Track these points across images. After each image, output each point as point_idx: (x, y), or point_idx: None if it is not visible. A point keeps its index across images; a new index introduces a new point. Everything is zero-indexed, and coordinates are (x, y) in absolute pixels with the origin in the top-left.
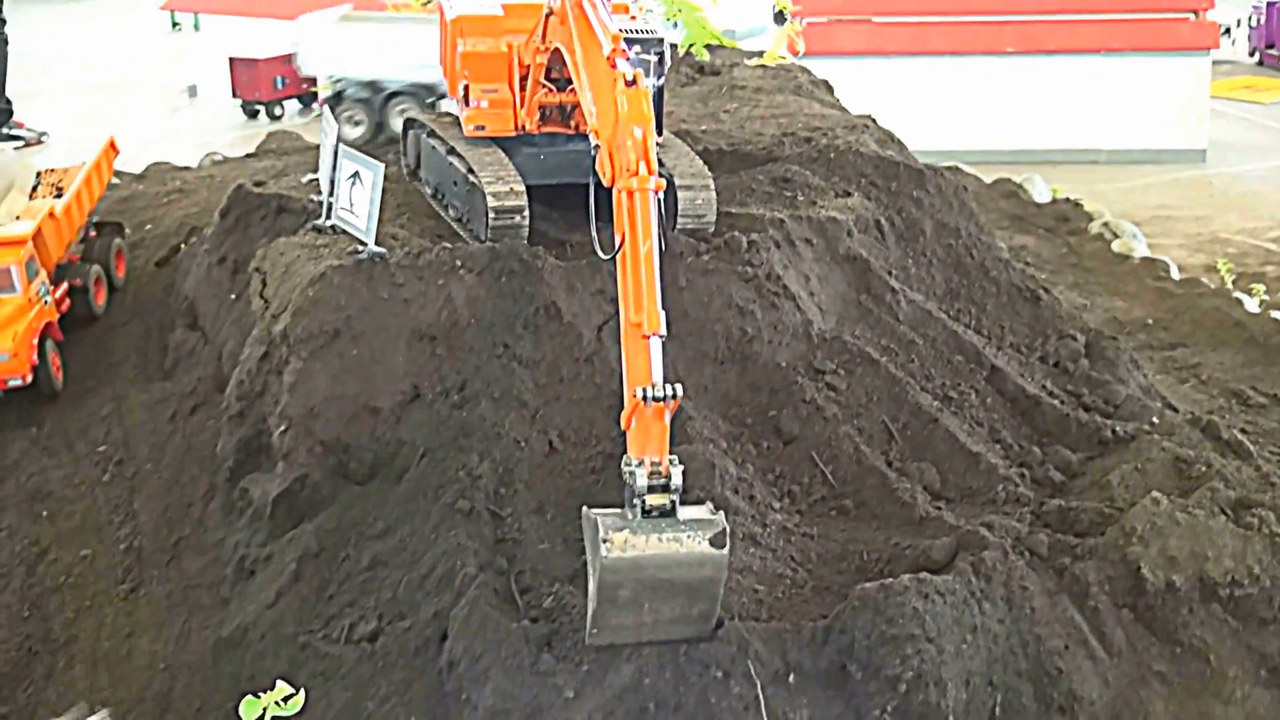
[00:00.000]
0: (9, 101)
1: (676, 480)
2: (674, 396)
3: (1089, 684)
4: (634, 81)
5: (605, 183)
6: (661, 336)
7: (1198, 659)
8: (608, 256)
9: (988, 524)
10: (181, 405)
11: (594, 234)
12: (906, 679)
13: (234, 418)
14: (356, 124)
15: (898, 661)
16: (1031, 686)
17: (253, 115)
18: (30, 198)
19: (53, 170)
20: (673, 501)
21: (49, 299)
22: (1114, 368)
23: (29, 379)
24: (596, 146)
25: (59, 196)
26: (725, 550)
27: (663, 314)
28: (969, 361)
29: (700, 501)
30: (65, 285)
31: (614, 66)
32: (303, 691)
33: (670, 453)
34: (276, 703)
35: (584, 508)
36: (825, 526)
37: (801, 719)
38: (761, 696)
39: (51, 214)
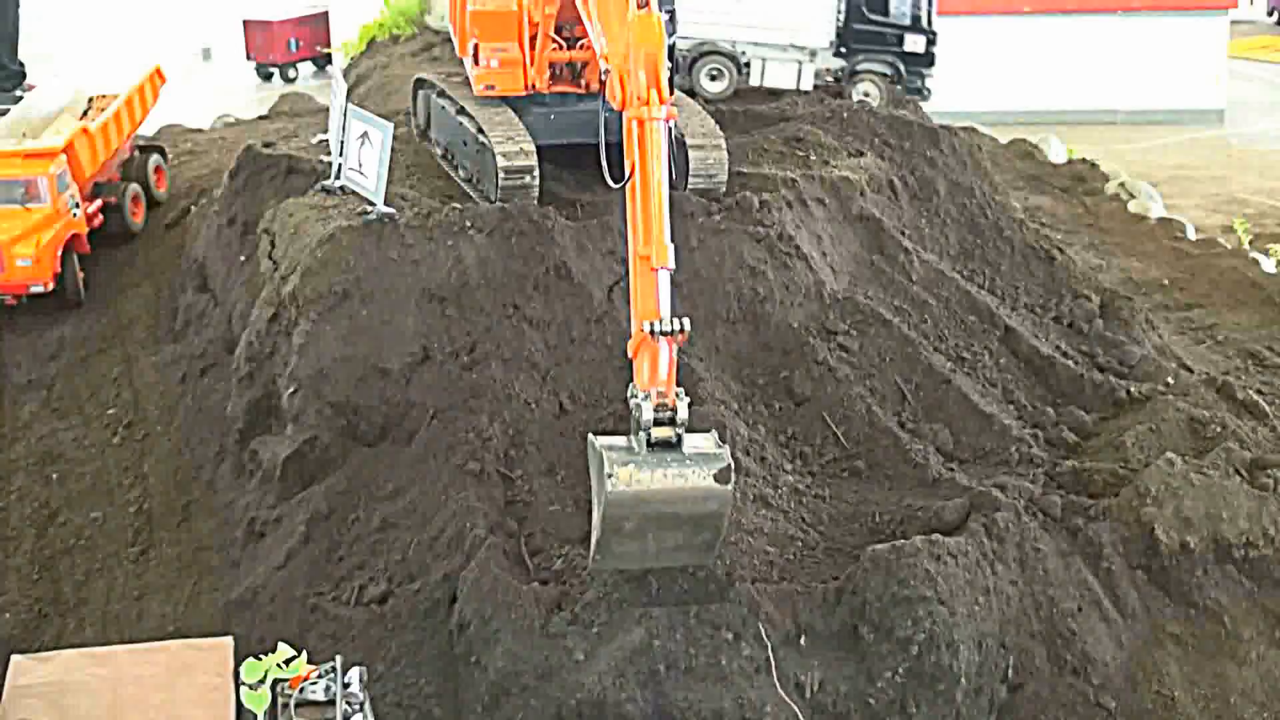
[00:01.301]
0: (22, 65)
1: (683, 413)
2: (681, 330)
3: (1103, 646)
4: (645, 4)
5: (615, 108)
6: (670, 269)
7: (1212, 620)
8: (617, 185)
9: (1001, 485)
10: (191, 367)
11: (603, 163)
12: (918, 641)
13: (243, 379)
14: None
15: (910, 623)
16: (1045, 648)
17: (266, 78)
18: (81, 120)
19: (104, 96)
20: (678, 435)
21: (78, 212)
22: (1129, 328)
23: (50, 286)
24: (607, 71)
25: None
26: (730, 485)
27: (671, 247)
28: (982, 322)
29: (706, 430)
30: (99, 202)
31: None
32: (304, 653)
33: (676, 385)
34: (278, 665)
35: (590, 435)
36: (837, 488)
37: (813, 680)
38: (772, 658)
39: (85, 131)
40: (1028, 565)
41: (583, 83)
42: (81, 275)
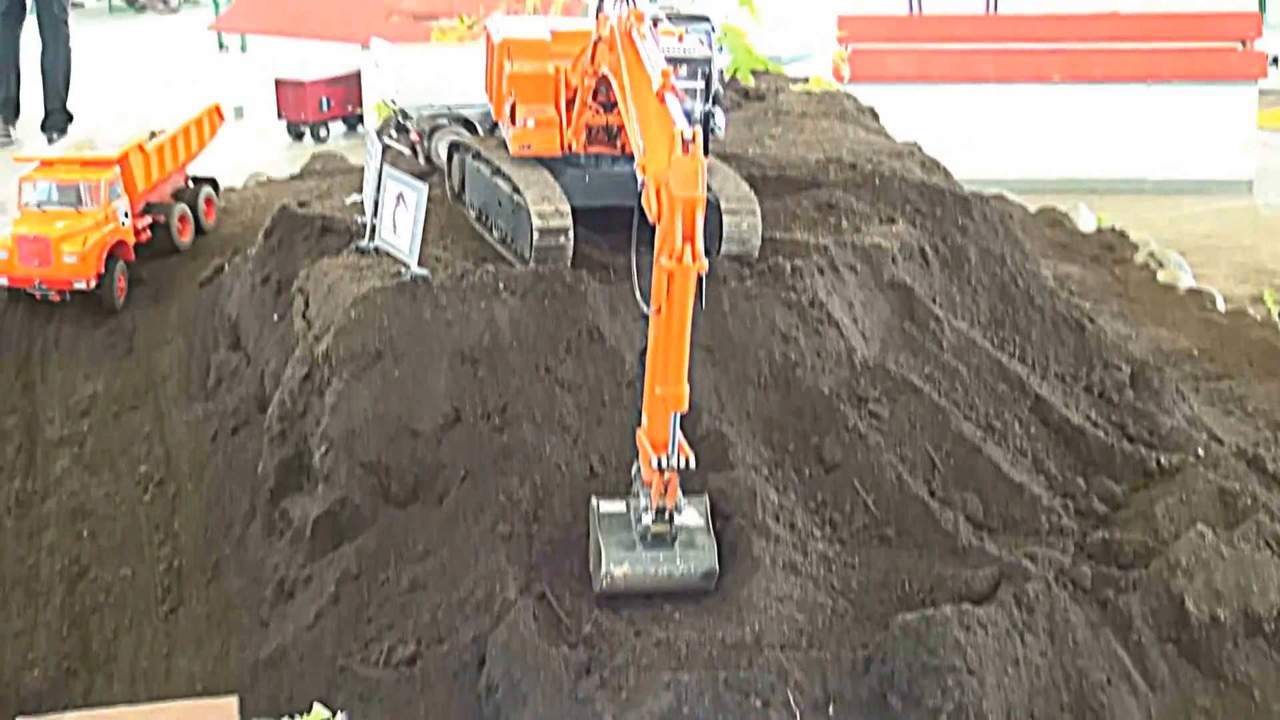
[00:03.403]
0: (69, 114)
1: (680, 520)
2: (687, 465)
3: (1132, 718)
4: (691, 141)
5: (651, 219)
6: (683, 413)
7: (1242, 693)
8: (648, 311)
9: (1031, 555)
10: (223, 425)
11: (635, 282)
12: (947, 710)
13: (275, 438)
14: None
15: (939, 692)
16: None
17: (298, 137)
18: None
19: (164, 130)
20: (673, 537)
21: (126, 222)
22: (1159, 398)
23: (92, 285)
24: (644, 182)
25: None
26: (714, 581)
27: (687, 390)
28: (1013, 390)
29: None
30: (149, 219)
31: (662, 102)
32: (341, 715)
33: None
34: None
35: (593, 500)
36: (867, 555)
37: None
38: None
39: (140, 148)
40: (1057, 636)
41: (619, 144)
42: (124, 283)
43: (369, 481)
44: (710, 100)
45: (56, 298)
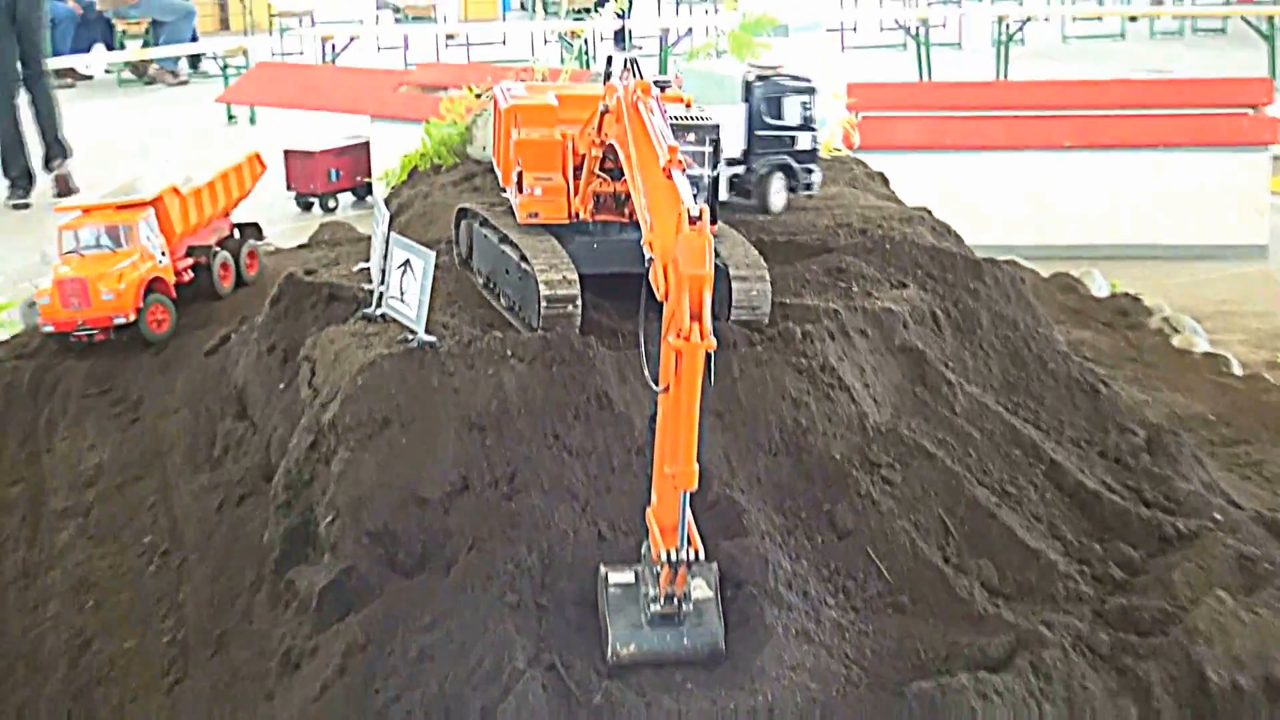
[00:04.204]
0: (64, 145)
1: (688, 604)
2: (697, 558)
3: None
4: (699, 218)
5: (659, 297)
6: (692, 491)
7: None
8: (658, 389)
9: (1047, 622)
10: (229, 494)
11: (643, 361)
12: None
13: (281, 507)
14: None
15: None
16: None
17: (306, 207)
18: None
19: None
20: (681, 617)
21: (164, 260)
22: (1175, 463)
23: (131, 318)
24: (651, 260)
25: None
26: (721, 654)
27: (696, 471)
28: (1027, 455)
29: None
30: (191, 260)
31: (669, 178)
32: None
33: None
34: None
35: (601, 570)
36: (881, 623)
37: None
38: None
39: (175, 190)
40: (1075, 704)
41: (626, 211)
42: (166, 316)
43: (376, 550)
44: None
45: (101, 337)
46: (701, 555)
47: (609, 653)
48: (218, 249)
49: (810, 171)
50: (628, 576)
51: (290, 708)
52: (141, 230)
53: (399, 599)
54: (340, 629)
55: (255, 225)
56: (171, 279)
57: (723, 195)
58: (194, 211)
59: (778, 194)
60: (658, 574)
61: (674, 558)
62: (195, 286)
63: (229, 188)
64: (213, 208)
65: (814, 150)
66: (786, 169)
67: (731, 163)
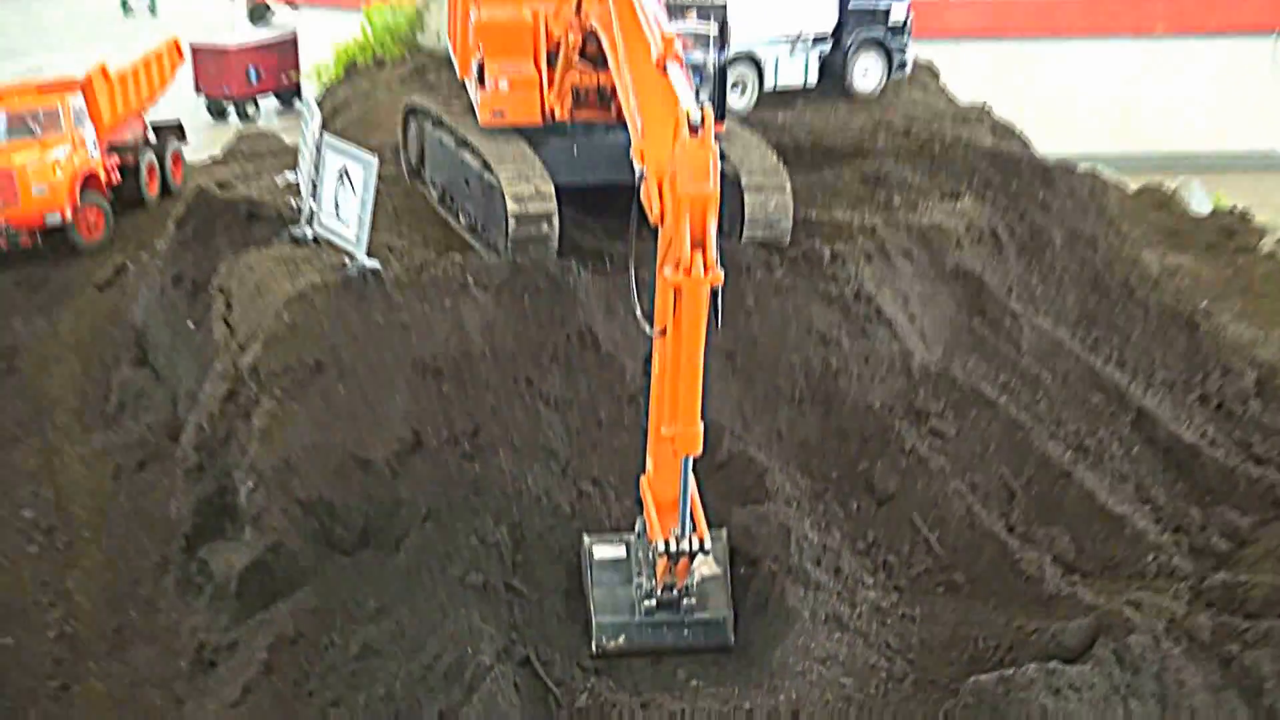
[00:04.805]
0: None
1: (690, 597)
2: (702, 549)
3: None
4: (700, 125)
5: (652, 220)
6: (696, 456)
7: None
8: (650, 332)
9: (1134, 602)
10: (127, 459)
11: (633, 297)
12: None
13: (191, 473)
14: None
15: None
16: None
17: (219, 115)
18: None
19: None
20: (681, 608)
21: (96, 154)
22: None
23: (67, 218)
24: (642, 174)
25: None
26: (729, 643)
27: (701, 431)
28: (1109, 402)
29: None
30: (116, 159)
31: (664, 73)
32: None
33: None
34: None
35: (586, 541)
36: (930, 606)
37: None
38: None
39: (104, 72)
40: (1170, 701)
41: (613, 109)
42: (101, 221)
43: (308, 524)
44: (723, 50)
45: (27, 242)
46: (708, 545)
47: (594, 645)
48: (145, 147)
49: (904, 50)
50: (617, 550)
51: (205, 715)
52: (71, 115)
53: (337, 583)
54: (265, 619)
55: (176, 126)
56: (103, 175)
57: (812, 79)
58: (120, 100)
59: (869, 74)
60: (654, 561)
61: (674, 549)
62: (120, 192)
63: (150, 78)
64: (137, 99)
65: (906, 22)
66: (878, 44)
67: (819, 40)
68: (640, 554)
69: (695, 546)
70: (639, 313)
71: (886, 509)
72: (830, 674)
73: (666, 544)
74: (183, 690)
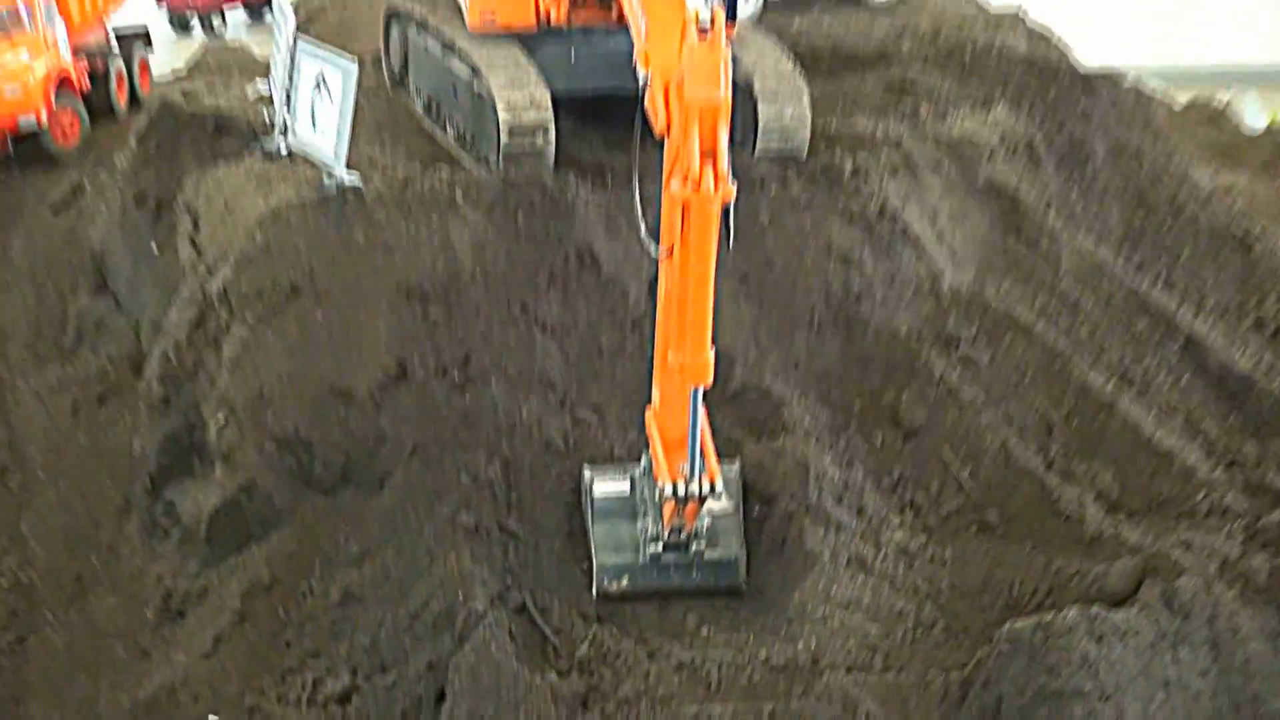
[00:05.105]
0: None
1: (700, 540)
2: (714, 492)
3: None
4: (710, 26)
5: (657, 131)
6: (706, 388)
7: None
8: (655, 254)
9: (1184, 543)
10: (86, 394)
11: (637, 214)
12: None
13: (156, 407)
14: None
15: None
16: None
17: (183, 28)
18: None
19: None
20: (693, 555)
21: (68, 56)
22: None
23: (43, 123)
24: (646, 80)
25: None
26: (741, 584)
27: (711, 360)
28: (1156, 328)
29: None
30: (85, 63)
31: None
32: None
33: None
34: None
35: (586, 473)
36: (961, 547)
37: None
38: None
39: None
40: (1223, 650)
41: (614, 11)
42: (76, 128)
43: (284, 461)
44: None
45: (1, 149)
46: (720, 489)
47: (595, 587)
48: (113, 54)
49: None
50: (620, 485)
51: (173, 668)
52: (40, 12)
53: (315, 525)
54: (238, 565)
55: (143, 33)
56: (74, 77)
57: None
58: (88, 1)
59: None
60: (660, 503)
61: (682, 492)
62: (91, 101)
63: None
64: (103, 1)
65: None
66: None
67: None
68: (646, 492)
69: (706, 489)
70: (643, 231)
71: (914, 443)
72: (853, 620)
73: (674, 486)
74: (148, 642)
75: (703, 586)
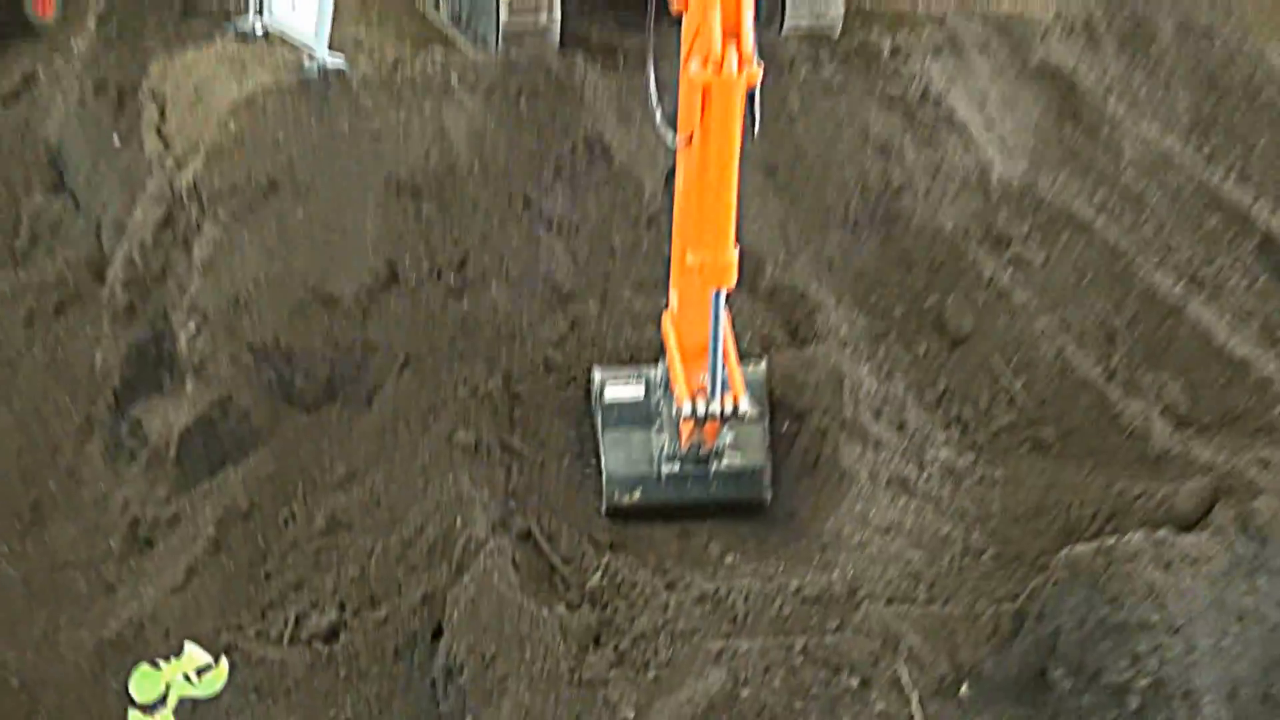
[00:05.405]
0: None
1: (721, 460)
2: (737, 413)
3: None
4: None
5: (673, 8)
6: (729, 290)
7: None
8: (672, 143)
9: (1261, 461)
10: (41, 303)
11: (652, 99)
12: (1139, 689)
13: (119, 316)
14: None
15: (1125, 663)
16: None
17: None
18: None
19: None
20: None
21: None
22: None
23: None
24: None
25: None
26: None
27: (735, 260)
28: (1229, 225)
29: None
30: None
31: None
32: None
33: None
34: (187, 676)
35: (595, 374)
36: (1014, 467)
37: None
38: (919, 717)
39: None
40: None
41: None
42: None
43: (262, 374)
44: None
45: None
46: (744, 409)
47: (605, 501)
48: None
49: None
50: (633, 390)
51: (141, 602)
52: None
53: (298, 445)
54: (212, 489)
55: None
56: None
57: None
58: None
59: None
60: (678, 421)
61: (701, 412)
62: None
63: None
64: None
65: None
66: None
67: None
68: (663, 405)
69: (729, 410)
70: (659, 119)
71: (961, 352)
72: (894, 547)
73: (694, 405)
74: (113, 574)
75: (721, 499)
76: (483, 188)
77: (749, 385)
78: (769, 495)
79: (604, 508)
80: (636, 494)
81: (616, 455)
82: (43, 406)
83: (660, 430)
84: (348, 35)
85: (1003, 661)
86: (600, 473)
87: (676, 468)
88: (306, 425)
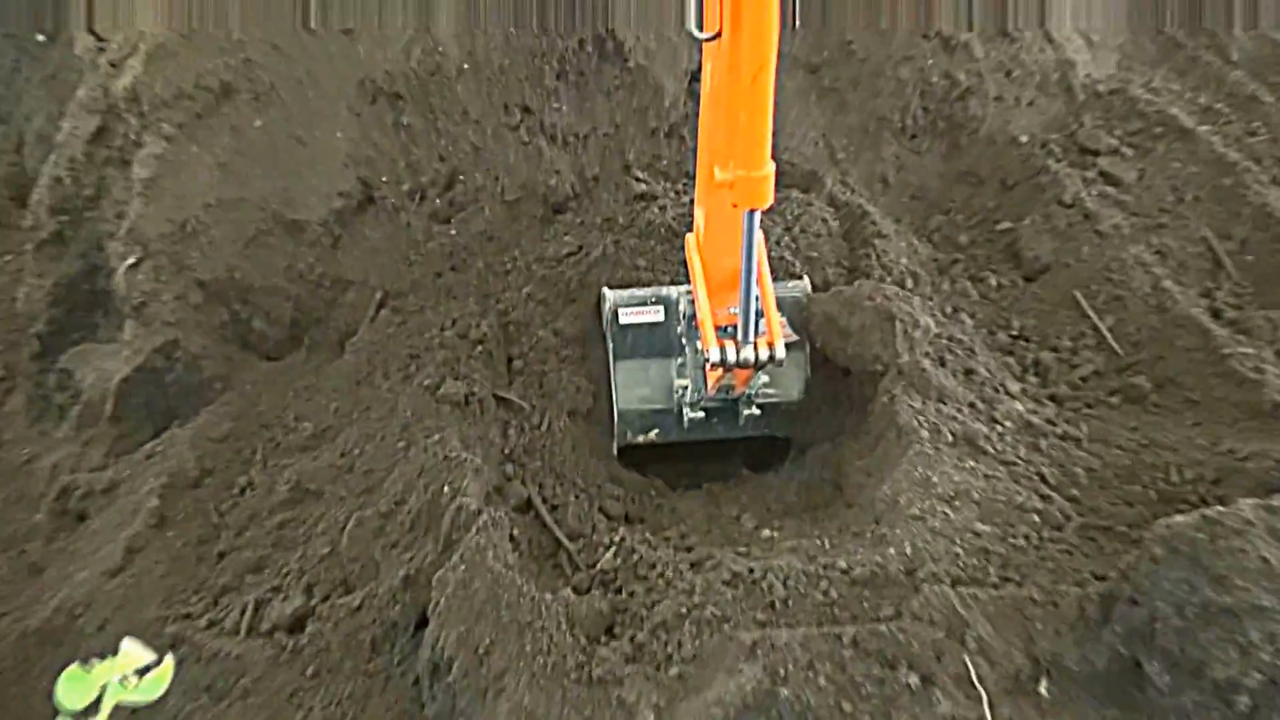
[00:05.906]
0: None
1: (750, 406)
2: (772, 358)
3: None
4: None
5: None
6: (765, 208)
7: None
8: (698, 35)
9: None
10: None
11: None
12: (1250, 686)
13: (45, 246)
14: None
15: (1234, 655)
16: None
17: None
18: None
19: None
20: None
21: None
22: None
23: None
24: None
25: None
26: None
27: (771, 175)
28: None
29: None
30: None
31: None
32: (170, 660)
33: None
34: (124, 678)
35: (605, 295)
36: (1103, 423)
37: None
38: (990, 716)
39: None
40: None
41: None
42: None
43: (214, 315)
44: None
45: None
46: (780, 355)
47: (616, 442)
48: None
49: None
50: (652, 313)
51: (73, 586)
52: None
53: (257, 398)
54: (156, 452)
55: None
56: None
57: None
58: None
59: None
60: (702, 365)
61: (732, 359)
62: None
63: None
64: None
65: None
66: None
67: None
68: (686, 338)
69: (764, 357)
70: (693, 10)
71: (1038, 286)
72: (960, 518)
73: (723, 353)
74: (40, 554)
75: (750, 437)
76: (473, 93)
77: (784, 308)
78: (805, 434)
79: (615, 449)
80: (653, 433)
81: (630, 389)
82: None
83: (682, 376)
84: None
85: (1088, 654)
86: (611, 409)
87: (700, 415)
88: (267, 375)
